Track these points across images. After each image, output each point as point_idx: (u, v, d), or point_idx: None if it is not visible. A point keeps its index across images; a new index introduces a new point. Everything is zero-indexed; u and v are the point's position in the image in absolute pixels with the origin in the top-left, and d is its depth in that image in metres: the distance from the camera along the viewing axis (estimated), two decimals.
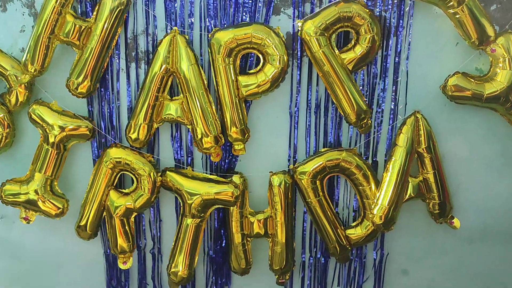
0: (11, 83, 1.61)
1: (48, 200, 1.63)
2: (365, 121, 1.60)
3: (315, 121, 1.66)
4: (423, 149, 1.63)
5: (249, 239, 1.70)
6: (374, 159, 1.69)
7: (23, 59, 1.56)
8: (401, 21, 1.59)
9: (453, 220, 1.70)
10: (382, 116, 1.66)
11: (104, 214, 1.68)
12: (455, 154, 1.69)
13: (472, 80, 1.58)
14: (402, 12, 1.58)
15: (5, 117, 1.63)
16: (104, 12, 1.53)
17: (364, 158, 1.68)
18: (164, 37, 1.56)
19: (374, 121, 1.66)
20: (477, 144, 1.69)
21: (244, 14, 1.58)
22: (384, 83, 1.63)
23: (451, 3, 1.51)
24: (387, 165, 1.64)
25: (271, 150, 1.68)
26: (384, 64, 1.62)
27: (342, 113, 1.61)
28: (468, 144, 1.69)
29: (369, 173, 1.65)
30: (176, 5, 1.58)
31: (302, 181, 1.63)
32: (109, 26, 1.54)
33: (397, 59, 1.62)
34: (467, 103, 1.61)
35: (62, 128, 1.60)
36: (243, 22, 1.57)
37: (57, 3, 1.51)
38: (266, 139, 1.67)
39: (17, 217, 1.66)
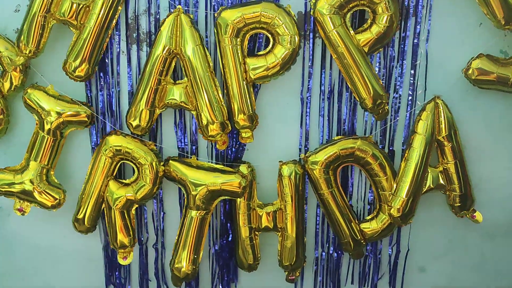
0: (5, 66, 1.52)
1: (44, 190, 1.54)
2: (382, 106, 1.50)
3: (328, 107, 1.56)
4: (443, 137, 1.53)
5: (257, 233, 1.60)
6: (390, 148, 1.59)
7: (17, 39, 1.47)
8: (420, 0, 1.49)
9: (475, 214, 1.61)
10: (399, 102, 1.56)
11: (103, 206, 1.58)
12: (477, 143, 1.59)
13: (497, 63, 1.49)
14: None
15: None
16: None
17: (380, 147, 1.58)
18: (167, 16, 1.47)
19: (391, 107, 1.56)
20: (501, 133, 1.59)
21: None
22: (402, 67, 1.54)
23: None
24: (405, 154, 1.54)
25: (281, 138, 1.59)
26: (402, 46, 1.52)
27: (357, 99, 1.51)
28: (491, 132, 1.59)
29: (385, 163, 1.55)
30: None
31: (314, 171, 1.53)
32: (109, 5, 1.45)
33: (416, 41, 1.52)
34: (491, 88, 1.52)
35: (59, 114, 1.52)
36: (251, 0, 1.48)
37: None
38: (276, 126, 1.58)
39: (12, 209, 1.58)
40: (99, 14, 1.45)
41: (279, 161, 1.57)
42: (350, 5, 1.44)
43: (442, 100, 1.53)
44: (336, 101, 1.56)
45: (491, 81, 1.49)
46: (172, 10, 1.49)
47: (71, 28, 1.49)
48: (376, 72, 1.51)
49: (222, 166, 1.58)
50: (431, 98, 1.54)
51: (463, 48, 1.52)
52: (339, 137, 1.56)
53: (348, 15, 1.46)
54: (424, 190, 1.56)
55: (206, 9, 1.50)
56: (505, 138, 1.59)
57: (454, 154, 1.54)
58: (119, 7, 1.48)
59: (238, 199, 1.56)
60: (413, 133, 1.54)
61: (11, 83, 1.54)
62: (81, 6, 1.46)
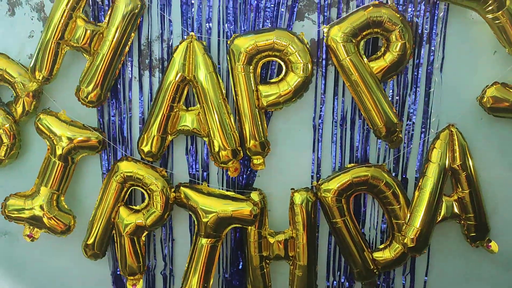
0: (18, 91, 1.53)
1: (54, 216, 1.53)
2: (395, 134, 1.48)
3: (340, 134, 1.55)
4: (458, 165, 1.51)
5: (268, 261, 1.58)
6: (404, 176, 1.57)
7: (31, 65, 1.47)
8: (434, 27, 1.48)
9: (490, 244, 1.57)
10: (413, 130, 1.54)
11: (113, 232, 1.57)
12: (492, 171, 1.57)
13: None
14: (435, 17, 1.47)
15: (11, 127, 1.54)
16: (117, 17, 1.44)
17: (393, 175, 1.55)
18: (180, 43, 1.47)
19: (404, 134, 1.54)
20: None
21: (265, 19, 1.48)
22: (416, 94, 1.52)
23: (491, 8, 1.39)
24: (419, 183, 1.52)
25: (293, 165, 1.57)
26: (416, 73, 1.51)
27: (370, 126, 1.49)
28: (506, 161, 1.57)
29: (399, 191, 1.52)
30: (193, 9, 1.49)
31: (327, 199, 1.51)
32: (122, 32, 1.46)
33: (429, 69, 1.51)
34: (506, 116, 1.50)
35: (70, 140, 1.51)
36: (264, 28, 1.48)
37: (68, 6, 1.43)
38: (288, 153, 1.57)
39: (21, 234, 1.56)
40: (112, 40, 1.45)
41: (291, 189, 1.55)
42: (364, 33, 1.43)
43: (456, 128, 1.51)
44: (349, 128, 1.55)
45: (506, 109, 1.48)
46: (185, 37, 1.49)
47: (85, 55, 1.49)
48: (390, 99, 1.50)
49: (233, 193, 1.56)
50: (445, 126, 1.52)
51: (477, 76, 1.51)
52: (352, 164, 1.55)
53: (362, 43, 1.46)
54: (439, 219, 1.53)
55: (219, 36, 1.50)
56: None
57: (468, 183, 1.52)
58: (132, 34, 1.49)
59: (249, 227, 1.54)
60: (427, 161, 1.52)
61: (24, 108, 1.54)
62: (95, 33, 1.46)
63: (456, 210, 1.54)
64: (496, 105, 1.47)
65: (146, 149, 1.50)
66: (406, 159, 1.56)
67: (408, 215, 1.52)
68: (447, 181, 1.53)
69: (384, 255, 1.57)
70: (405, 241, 1.50)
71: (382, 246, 1.59)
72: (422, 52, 1.50)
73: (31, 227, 1.55)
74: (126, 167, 1.53)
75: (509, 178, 1.58)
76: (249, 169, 1.57)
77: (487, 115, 1.51)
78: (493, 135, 1.55)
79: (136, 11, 1.45)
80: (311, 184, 1.57)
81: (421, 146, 1.55)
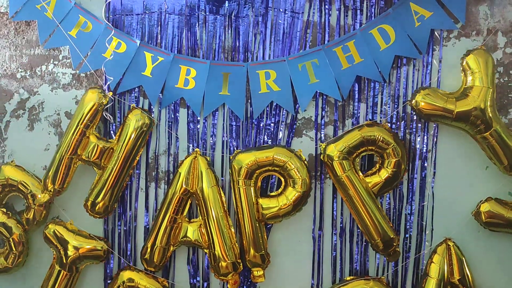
0: (30, 202, 1.59)
1: None
2: (393, 249, 1.51)
3: (340, 246, 1.57)
4: (457, 280, 1.50)
5: None
6: None
7: (44, 178, 1.55)
8: (425, 143, 1.55)
9: None
10: (410, 242, 1.56)
11: None
12: (492, 284, 1.56)
13: (506, 206, 1.50)
14: (427, 135, 1.55)
15: (21, 235, 1.59)
16: (127, 133, 1.54)
17: None
18: (186, 158, 1.55)
19: (402, 247, 1.56)
20: None
21: (266, 136, 1.57)
22: (411, 207, 1.56)
23: (479, 128, 1.47)
24: None
25: (293, 277, 1.59)
26: (411, 187, 1.56)
27: (368, 240, 1.52)
28: (507, 274, 1.57)
29: None
30: (198, 126, 1.59)
31: None
32: (131, 147, 1.54)
33: (423, 183, 1.55)
34: (503, 231, 1.52)
35: (76, 249, 1.56)
36: (265, 145, 1.56)
37: (82, 124, 1.53)
38: (288, 265, 1.59)
39: None
40: (121, 156, 1.54)
41: None
42: (358, 151, 1.50)
43: (453, 242, 1.53)
44: (348, 240, 1.57)
45: (503, 224, 1.50)
46: (190, 152, 1.58)
47: (95, 168, 1.57)
48: (386, 213, 1.54)
49: None
50: (442, 239, 1.54)
51: (471, 190, 1.55)
52: (351, 277, 1.55)
53: (357, 160, 1.52)
54: None
55: (222, 151, 1.58)
56: None
57: None
58: (141, 149, 1.58)
59: None
60: (425, 276, 1.52)
61: (34, 217, 1.59)
62: (105, 148, 1.55)
63: None
64: (491, 220, 1.50)
65: (148, 259, 1.54)
66: (405, 271, 1.57)
67: None
68: None
69: None
70: None
71: None
72: (416, 167, 1.56)
73: None
74: (128, 277, 1.55)
75: None
76: (249, 281, 1.58)
77: (484, 229, 1.53)
78: (491, 248, 1.56)
79: (145, 128, 1.55)
80: None
81: (423, 259, 1.56)
